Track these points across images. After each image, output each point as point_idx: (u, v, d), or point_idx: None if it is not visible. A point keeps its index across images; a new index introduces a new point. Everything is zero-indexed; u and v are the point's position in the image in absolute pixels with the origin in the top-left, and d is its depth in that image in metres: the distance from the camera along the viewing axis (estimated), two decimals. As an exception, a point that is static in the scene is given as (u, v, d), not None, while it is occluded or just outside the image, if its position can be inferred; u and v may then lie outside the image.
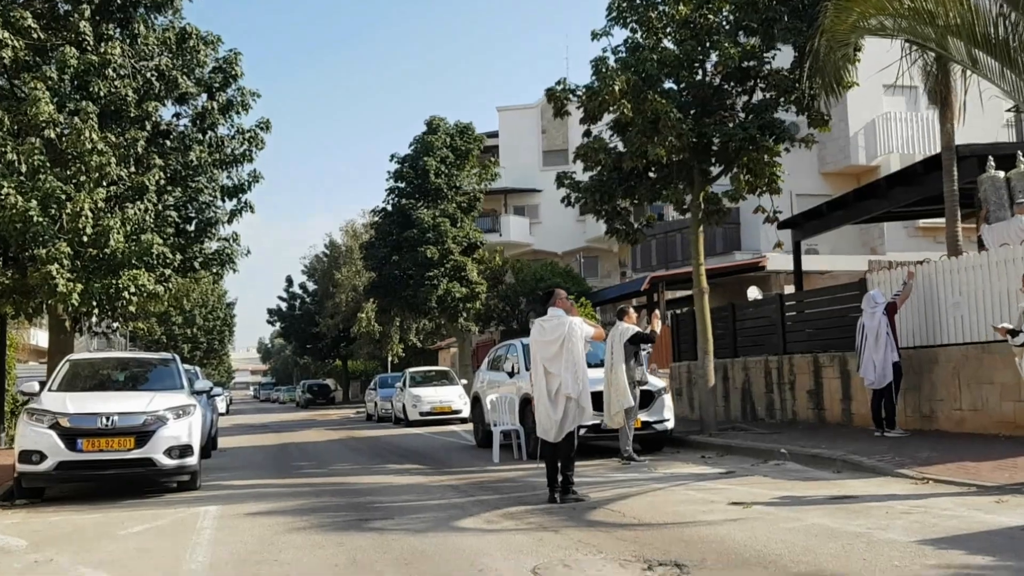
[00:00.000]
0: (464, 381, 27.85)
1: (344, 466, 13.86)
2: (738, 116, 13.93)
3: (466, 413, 25.38)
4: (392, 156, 30.75)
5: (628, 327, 12.09)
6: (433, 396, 25.64)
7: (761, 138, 13.18)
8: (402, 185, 30.52)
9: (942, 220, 29.38)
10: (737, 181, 13.71)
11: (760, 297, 23.28)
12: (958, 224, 13.51)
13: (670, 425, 13.28)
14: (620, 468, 11.48)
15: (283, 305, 62.57)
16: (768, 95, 14.15)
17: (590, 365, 14.45)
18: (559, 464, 8.80)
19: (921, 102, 32.36)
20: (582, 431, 12.53)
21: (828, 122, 13.84)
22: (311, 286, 60.53)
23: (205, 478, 11.86)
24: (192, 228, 18.23)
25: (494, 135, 45.37)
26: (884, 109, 30.98)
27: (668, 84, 13.79)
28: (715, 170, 14.61)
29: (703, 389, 14.40)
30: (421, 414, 25.22)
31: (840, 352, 14.37)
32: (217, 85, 18.04)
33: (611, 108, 13.87)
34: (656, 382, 13.30)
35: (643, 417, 12.75)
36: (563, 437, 8.69)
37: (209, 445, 16.65)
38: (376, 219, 31.36)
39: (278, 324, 64.48)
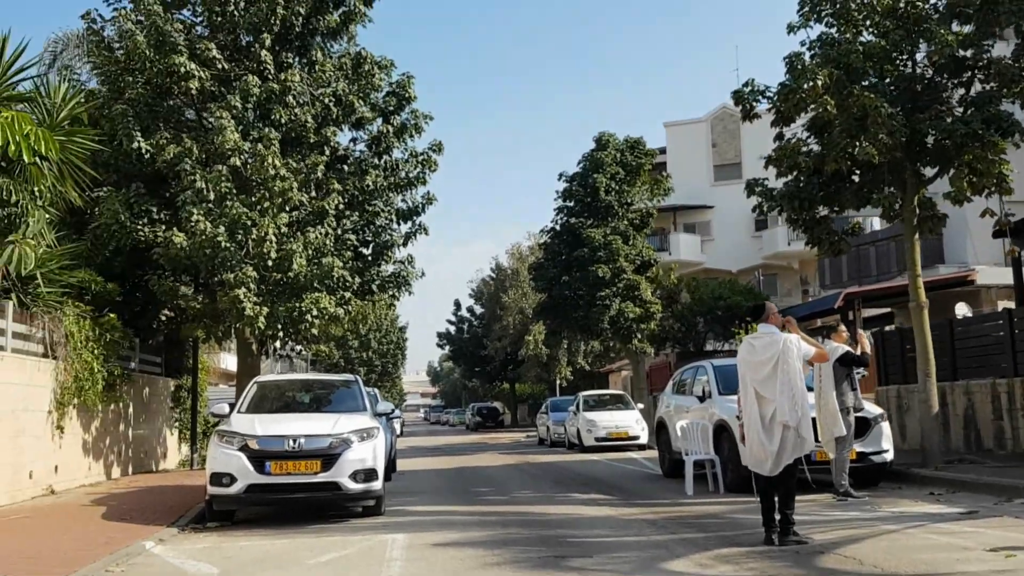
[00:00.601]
0: (640, 405, 26.86)
1: (526, 494, 13.25)
2: (955, 111, 12.45)
3: (644, 439, 24.43)
4: (560, 175, 30.33)
5: (837, 346, 10.89)
6: (609, 421, 24.74)
7: (986, 133, 11.66)
8: (571, 204, 29.97)
9: None
10: (959, 181, 12.18)
11: (970, 314, 21.14)
12: None
13: (889, 457, 11.88)
14: (836, 505, 10.27)
15: (451, 328, 63.50)
16: (988, 86, 12.61)
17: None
18: (776, 500, 7.78)
19: None
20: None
21: (1064, 114, 12.14)
22: (478, 309, 61.13)
23: (388, 502, 11.52)
24: (369, 251, 18.34)
25: (662, 151, 44.23)
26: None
27: (872, 80, 12.45)
28: (929, 172, 13.14)
29: (924, 416, 12.87)
30: (596, 440, 24.37)
31: (1087, 374, 12.53)
32: (391, 109, 18.11)
33: (809, 107, 12.73)
34: (872, 408, 11.96)
35: (858, 448, 11.43)
36: (781, 471, 7.69)
37: (390, 468, 16.50)
38: (545, 239, 30.91)
39: (447, 347, 65.48)
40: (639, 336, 29.17)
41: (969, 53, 12.57)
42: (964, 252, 29.89)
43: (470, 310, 62.54)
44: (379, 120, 18.15)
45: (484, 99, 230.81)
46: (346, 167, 17.87)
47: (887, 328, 22.28)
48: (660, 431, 15.45)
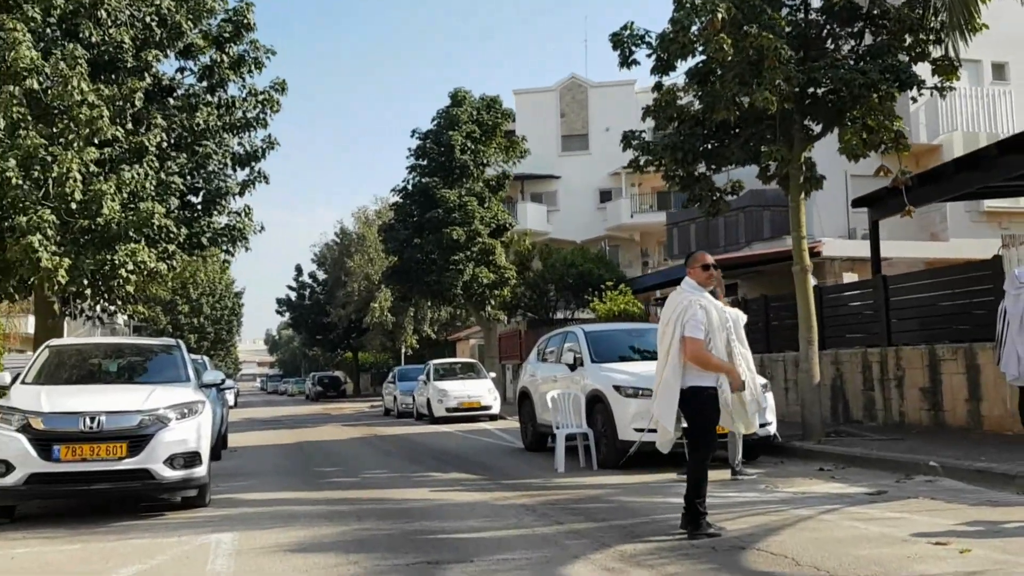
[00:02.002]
0: (492, 374, 25.70)
1: (379, 474, 11.69)
2: (847, 62, 11.67)
3: (496, 409, 23.35)
4: (414, 131, 28.49)
5: (739, 313, 9.89)
6: (460, 390, 23.47)
7: (885, 83, 10.91)
8: (424, 163, 28.21)
9: (1011, 203, 27.42)
10: (854, 136, 11.42)
11: (815, 284, 21.12)
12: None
13: (773, 429, 11.09)
14: (730, 484, 9.28)
15: (292, 295, 60.43)
16: (879, 39, 11.91)
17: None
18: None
19: (986, 77, 30.19)
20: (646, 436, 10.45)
21: (957, 69, 11.58)
22: (321, 275, 58.38)
23: (216, 488, 9.75)
24: (199, 199, 16.12)
25: (511, 119, 43.36)
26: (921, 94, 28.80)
27: (768, 20, 11.44)
28: (817, 127, 12.38)
29: (806, 386, 12.18)
30: (448, 410, 23.05)
31: (966, 343, 12.15)
32: (227, 36, 15.85)
33: (698, 49, 11.65)
34: (757, 378, 11.06)
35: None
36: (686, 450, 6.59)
37: (219, 445, 14.55)
38: (396, 199, 29.04)
39: (287, 314, 62.35)
40: (492, 303, 27.96)
41: (865, 2, 11.82)
42: (811, 224, 30.32)
43: (312, 276, 59.67)
44: (212, 50, 15.86)
45: (332, 54, 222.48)
46: (172, 100, 15.53)
47: (747, 297, 21.94)
48: (523, 401, 14.23)
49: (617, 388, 10.88)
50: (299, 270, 60.62)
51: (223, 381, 11.29)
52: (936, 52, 11.83)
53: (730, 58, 10.75)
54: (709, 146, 12.62)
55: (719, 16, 10.38)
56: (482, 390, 23.63)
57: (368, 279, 48.24)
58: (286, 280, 61.92)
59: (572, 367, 12.25)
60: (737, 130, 12.45)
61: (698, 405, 6.45)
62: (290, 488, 10.44)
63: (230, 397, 45.13)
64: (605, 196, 45.90)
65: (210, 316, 51.39)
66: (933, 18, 11.56)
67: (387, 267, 31.27)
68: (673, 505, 7.83)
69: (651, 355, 11.98)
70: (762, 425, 10.64)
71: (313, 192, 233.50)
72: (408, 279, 28.20)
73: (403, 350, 48.76)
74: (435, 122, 28.40)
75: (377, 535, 7.08)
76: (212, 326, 52.03)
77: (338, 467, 12.82)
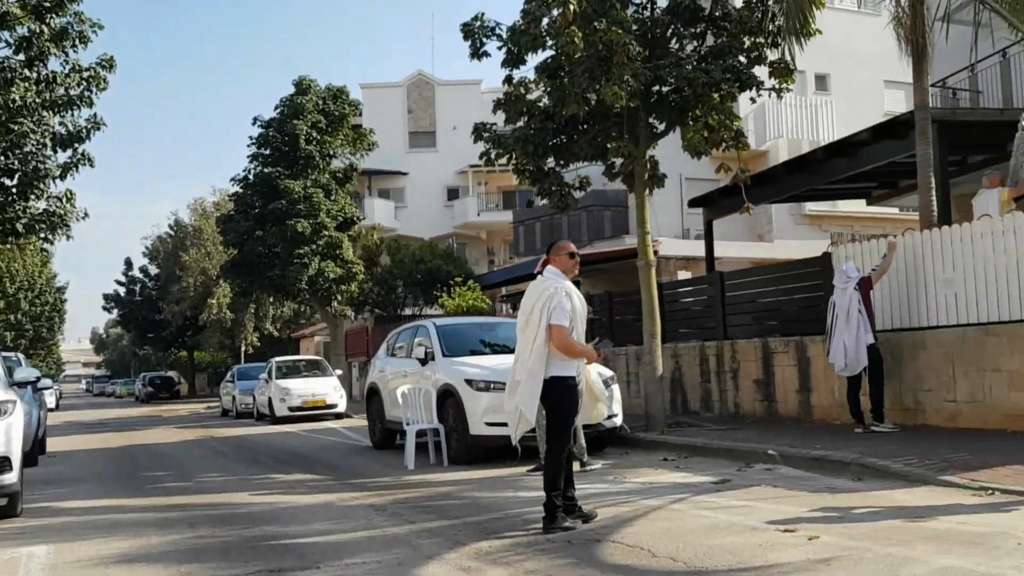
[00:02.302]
0: (338, 372, 25.03)
1: (215, 477, 11.03)
2: (691, 61, 11.95)
3: (342, 407, 22.77)
4: (255, 119, 27.31)
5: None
6: (304, 389, 22.70)
7: (727, 84, 11.22)
8: (267, 152, 27.14)
9: (829, 206, 29.19)
10: (696, 135, 11.71)
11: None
12: (932, 193, 12.01)
13: (619, 420, 11.20)
14: (578, 476, 9.22)
15: (121, 290, 57.04)
16: (719, 41, 12.28)
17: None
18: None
19: (809, 87, 32.00)
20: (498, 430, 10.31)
21: (792, 72, 12.08)
22: (153, 270, 55.39)
23: (30, 496, 8.91)
24: (14, 182, 14.78)
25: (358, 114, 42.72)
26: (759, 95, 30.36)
27: (616, 16, 11.54)
28: (660, 125, 12.61)
29: (649, 378, 12.39)
30: (291, 409, 22.25)
31: (797, 337, 12.71)
32: (48, 5, 14.62)
33: (549, 43, 11.62)
34: (603, 370, 11.17)
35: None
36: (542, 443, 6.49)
37: (35, 450, 13.39)
38: (236, 189, 27.78)
39: (115, 311, 58.78)
40: (339, 298, 27.26)
41: (707, 4, 12.14)
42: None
43: (144, 270, 56.55)
44: (31, 20, 14.58)
45: (171, 40, 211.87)
46: (-18, 73, 14.17)
47: (591, 292, 22.28)
48: (371, 398, 13.84)
49: (469, 382, 10.70)
50: (129, 264, 57.39)
51: (38, 379, 10.36)
52: (772, 55, 12.30)
53: (580, 52, 10.76)
54: (558, 141, 12.62)
55: (571, 8, 10.38)
56: (327, 388, 22.97)
57: (205, 274, 46.18)
58: (115, 275, 58.30)
59: (423, 361, 11.97)
60: (586, 126, 12.52)
61: (559, 396, 6.34)
62: (114, 495, 9.67)
63: (50, 399, 42.12)
64: (453, 194, 46.09)
65: (28, 312, 47.72)
66: (770, 22, 12.02)
67: (226, 261, 29.96)
68: (526, 499, 7.73)
69: (502, 349, 11.96)
70: (609, 417, 10.77)
71: (147, 183, 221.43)
72: (249, 273, 27.07)
73: (243, 348, 46.98)
74: (279, 110, 27.39)
75: (212, 543, 6.58)
76: (31, 323, 48.34)
77: (169, 471, 12.03)
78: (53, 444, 17.09)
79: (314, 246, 25.91)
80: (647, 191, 12.52)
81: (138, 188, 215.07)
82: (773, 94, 11.98)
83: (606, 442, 11.35)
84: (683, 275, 23.29)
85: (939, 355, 10.56)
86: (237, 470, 11.70)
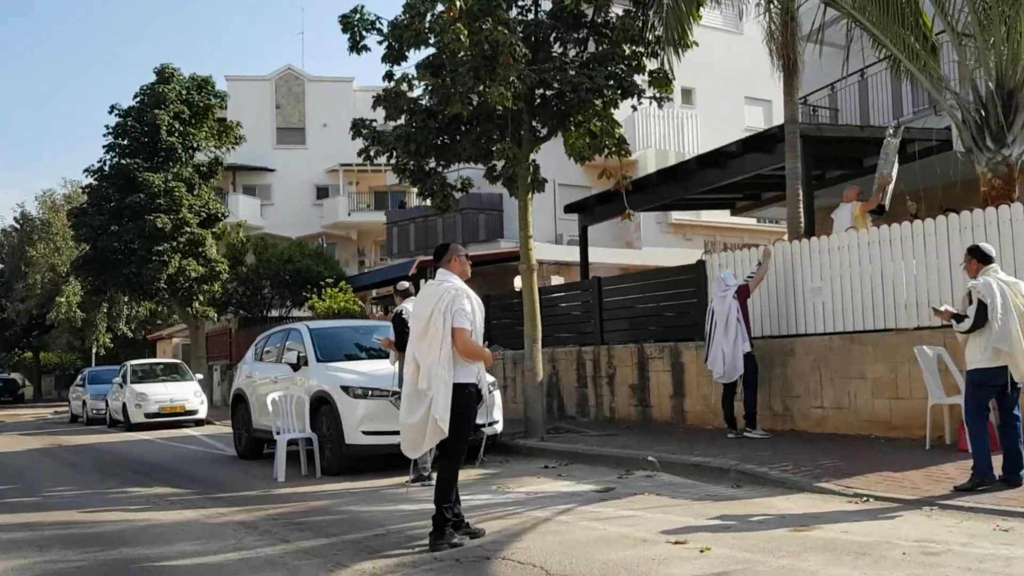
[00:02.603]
0: (199, 376, 23.89)
1: (66, 491, 10.19)
2: (574, 67, 11.93)
3: (203, 413, 21.72)
4: (112, 107, 25.67)
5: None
6: (163, 394, 21.51)
7: (609, 90, 11.25)
8: (125, 143, 25.59)
9: (693, 216, 30.12)
10: (580, 140, 11.70)
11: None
12: (799, 205, 12.42)
13: (500, 428, 11.02)
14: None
15: (-42, 286, 52.80)
16: (602, 47, 12.32)
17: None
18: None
19: (676, 100, 32.89)
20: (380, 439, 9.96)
21: (671, 83, 12.23)
22: (-4, 266, 51.57)
23: None
24: None
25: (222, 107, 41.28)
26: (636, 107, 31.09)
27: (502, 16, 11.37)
28: (543, 129, 12.54)
29: (530, 384, 12.26)
30: (147, 415, 21.04)
31: (671, 343, 12.89)
32: None
33: (432, 39, 11.35)
34: (486, 375, 10.93)
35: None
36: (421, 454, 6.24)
37: None
38: (91, 181, 26.06)
39: (-49, 309, 54.37)
40: (201, 298, 26.02)
41: (590, 11, 12.16)
42: (524, 228, 31.27)
43: (-16, 265, 52.56)
44: None
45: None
46: None
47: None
48: (237, 405, 13.17)
49: (345, 388, 10.28)
50: (-33, 258, 53.19)
51: None
52: (651, 65, 12.44)
53: (465, 50, 10.55)
54: (441, 140, 12.36)
55: (457, 4, 10.14)
56: (187, 393, 21.84)
57: (54, 270, 43.35)
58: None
59: (295, 367, 11.45)
60: (468, 127, 12.32)
61: (459, 403, 6.07)
62: (-51, 514, 8.76)
63: None
64: (322, 193, 45.35)
65: None
66: (650, 32, 12.15)
67: (77, 256, 28.14)
68: (408, 513, 7.46)
69: (378, 354, 11.57)
70: (490, 423, 10.58)
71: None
72: (103, 270, 25.46)
73: (94, 350, 44.39)
74: (138, 99, 25.89)
75: (65, 568, 5.99)
76: None
77: (12, 485, 11.04)
78: None
79: (175, 243, 24.61)
80: (529, 194, 12.41)
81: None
82: (652, 103, 12.09)
83: (479, 450, 11.14)
84: (556, 280, 23.47)
85: (807, 362, 10.91)
86: (90, 483, 10.87)
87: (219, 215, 26.52)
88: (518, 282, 22.16)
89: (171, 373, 23.50)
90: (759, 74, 32.05)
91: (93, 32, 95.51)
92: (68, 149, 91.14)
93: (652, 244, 30.07)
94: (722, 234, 31.17)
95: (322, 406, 10.64)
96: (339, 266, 31.14)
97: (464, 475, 9.36)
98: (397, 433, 9.97)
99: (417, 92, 12.57)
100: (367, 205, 44.83)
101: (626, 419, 13.58)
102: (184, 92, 26.11)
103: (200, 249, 25.20)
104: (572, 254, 25.39)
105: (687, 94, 32.65)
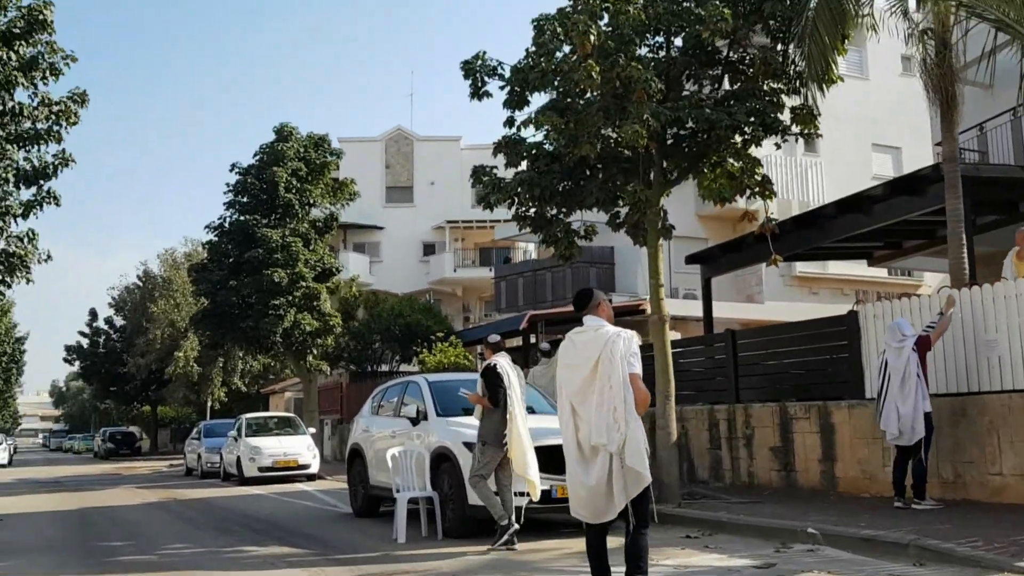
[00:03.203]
0: (312, 430, 23.73)
1: (181, 549, 9.80)
2: (709, 104, 11.22)
3: (315, 468, 21.44)
4: (233, 166, 26.31)
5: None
6: (276, 447, 21.35)
7: (750, 127, 10.49)
8: (244, 199, 26.12)
9: (819, 268, 28.68)
10: (722, 179, 10.95)
11: (640, 343, 20.98)
12: (963, 250, 11.27)
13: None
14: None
15: (84, 341, 55.06)
16: (738, 85, 11.58)
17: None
18: (609, 562, 5.47)
19: (798, 149, 31.76)
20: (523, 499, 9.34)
21: (816, 118, 11.39)
22: (119, 321, 53.59)
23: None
24: (-29, 219, 13.67)
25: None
26: (762, 153, 30.00)
27: (637, 51, 10.81)
28: (673, 171, 11.84)
29: (664, 444, 11.36)
30: (260, 469, 20.88)
31: (819, 402, 11.79)
32: (17, 31, 13.71)
33: (557, 82, 10.85)
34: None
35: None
36: (614, 516, 5.44)
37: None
38: (211, 237, 26.64)
39: (77, 363, 56.63)
40: (314, 352, 26.04)
41: (724, 49, 11.48)
42: (635, 283, 30.58)
43: (108, 321, 54.67)
44: (-1, 48, 13.63)
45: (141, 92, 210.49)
46: (-59, 101, 13.17)
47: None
48: (353, 460, 12.69)
49: (468, 445, 9.63)
50: (94, 314, 55.50)
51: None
52: (792, 102, 11.64)
53: (596, 89, 10.00)
54: (565, 186, 11.78)
55: (591, 39, 9.61)
56: (300, 447, 21.64)
57: (173, 326, 44.66)
58: (79, 327, 56.28)
59: (414, 421, 10.89)
60: (593, 171, 11.72)
61: None
62: (65, 570, 8.43)
63: (2, 454, 40.16)
64: (429, 249, 45.89)
65: (-15, 362, 45.89)
66: (791, 67, 11.38)
67: (197, 311, 28.69)
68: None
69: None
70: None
71: (117, 232, 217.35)
72: (221, 324, 25.82)
73: (209, 404, 45.28)
74: (258, 157, 26.46)
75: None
76: (-12, 375, 46.43)
77: (129, 541, 10.76)
78: (2, 505, 15.68)
79: (291, 297, 24.77)
80: (660, 241, 11.67)
81: (105, 237, 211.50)
82: (800, 139, 11.23)
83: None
84: (673, 336, 22.45)
85: (982, 424, 9.68)
86: (205, 540, 10.47)
87: (333, 270, 26.66)
88: (544, 346, 21.00)
89: (284, 427, 23.39)
90: (887, 121, 30.86)
91: (210, 98, 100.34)
92: (186, 208, 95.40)
93: (774, 298, 28.72)
94: (849, 287, 29.62)
95: (443, 463, 10.03)
96: (447, 321, 30.91)
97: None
98: (522, 494, 9.51)
99: (539, 136, 12.11)
100: (472, 261, 45.19)
101: (767, 484, 12.47)
102: (301, 150, 26.55)
103: (315, 303, 25.29)
104: (688, 308, 24.35)
105: (811, 142, 31.52)
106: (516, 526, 8.85)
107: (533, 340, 24.77)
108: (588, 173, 11.90)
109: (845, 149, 30.44)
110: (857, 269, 27.54)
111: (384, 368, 28.88)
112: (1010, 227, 13.09)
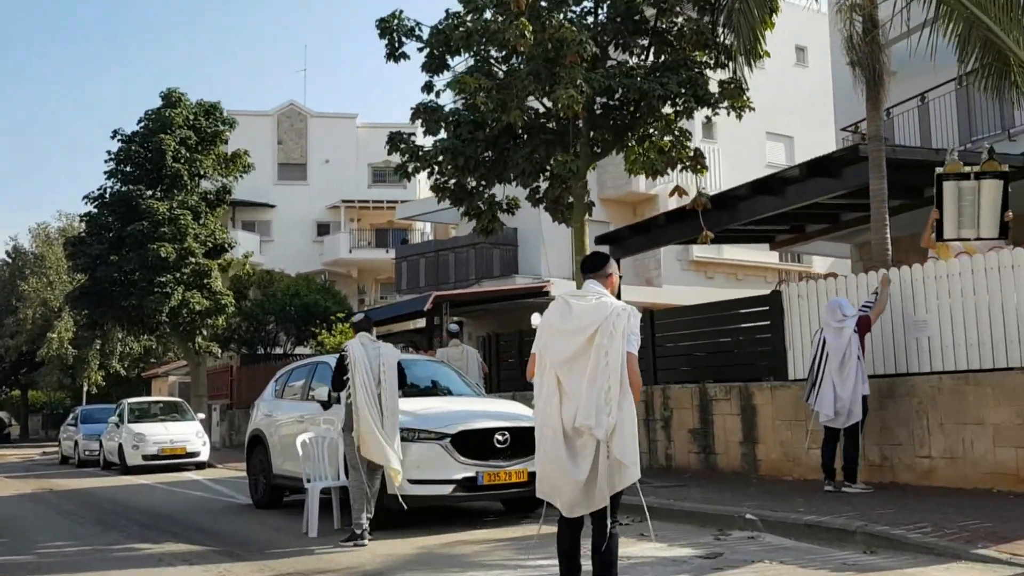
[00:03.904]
0: (200, 415, 22.42)
1: (63, 547, 8.76)
2: (640, 73, 10.78)
3: (205, 456, 20.23)
4: (115, 132, 24.50)
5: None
6: (162, 435, 20.00)
7: (682, 98, 10.09)
8: (127, 169, 24.37)
9: (715, 252, 28.95)
10: (652, 152, 10.52)
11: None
12: (887, 229, 11.20)
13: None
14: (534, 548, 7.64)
15: (-54, 322, 51.20)
16: (665, 57, 11.20)
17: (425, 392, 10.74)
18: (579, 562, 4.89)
19: (696, 134, 31.97)
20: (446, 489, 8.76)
21: (745, 93, 11.10)
22: (-15, 300, 50.05)
23: None
24: None
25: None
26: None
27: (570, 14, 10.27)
28: (599, 143, 11.38)
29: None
30: (145, 458, 19.53)
31: (740, 383, 11.57)
32: None
33: (481, 46, 10.22)
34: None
35: (530, 467, 8.99)
36: (595, 512, 4.84)
37: None
38: (90, 209, 24.77)
39: (-62, 345, 52.64)
40: (204, 333, 24.64)
41: (652, 16, 11.07)
42: (538, 264, 30.26)
43: (-27, 301, 51.02)
44: None
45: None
46: None
47: (490, 334, 20.87)
48: (254, 448, 11.77)
49: None
50: (-44, 293, 51.66)
51: None
52: (719, 76, 11.34)
53: (527, 49, 9.40)
54: (489, 156, 11.18)
55: (524, -4, 9.01)
56: (189, 434, 20.35)
57: (46, 305, 41.96)
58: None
59: (326, 405, 10.07)
60: (520, 139, 11.15)
61: None
62: (-77, 577, 7.35)
63: None
64: (323, 229, 44.74)
65: None
66: (722, 38, 11.05)
67: (73, 288, 26.77)
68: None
69: (420, 391, 10.30)
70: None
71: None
72: (100, 302, 24.06)
73: (86, 388, 42.75)
74: (143, 124, 24.72)
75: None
76: None
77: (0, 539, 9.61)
78: None
79: (179, 274, 23.27)
80: (584, 215, 11.20)
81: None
82: (731, 112, 10.93)
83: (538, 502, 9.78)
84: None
85: (910, 406, 9.56)
86: (89, 537, 9.43)
87: (226, 246, 25.24)
88: (535, 319, 20.89)
89: (171, 412, 22.01)
90: (780, 109, 31.32)
91: (92, 64, 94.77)
92: (64, 184, 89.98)
93: (671, 282, 28.85)
94: (745, 272, 29.97)
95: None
96: (347, 301, 29.88)
97: (518, 531, 8.09)
98: (448, 483, 8.89)
99: (459, 103, 11.45)
100: (368, 242, 44.26)
101: (686, 467, 12.21)
102: (191, 117, 24.98)
103: (205, 281, 23.86)
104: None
105: (707, 127, 31.76)
106: (365, 524, 8.17)
107: (437, 322, 24.10)
108: (513, 142, 11.33)
109: (741, 136, 30.82)
110: (749, 254, 27.97)
111: (278, 351, 27.68)
112: (918, 211, 13.20)
